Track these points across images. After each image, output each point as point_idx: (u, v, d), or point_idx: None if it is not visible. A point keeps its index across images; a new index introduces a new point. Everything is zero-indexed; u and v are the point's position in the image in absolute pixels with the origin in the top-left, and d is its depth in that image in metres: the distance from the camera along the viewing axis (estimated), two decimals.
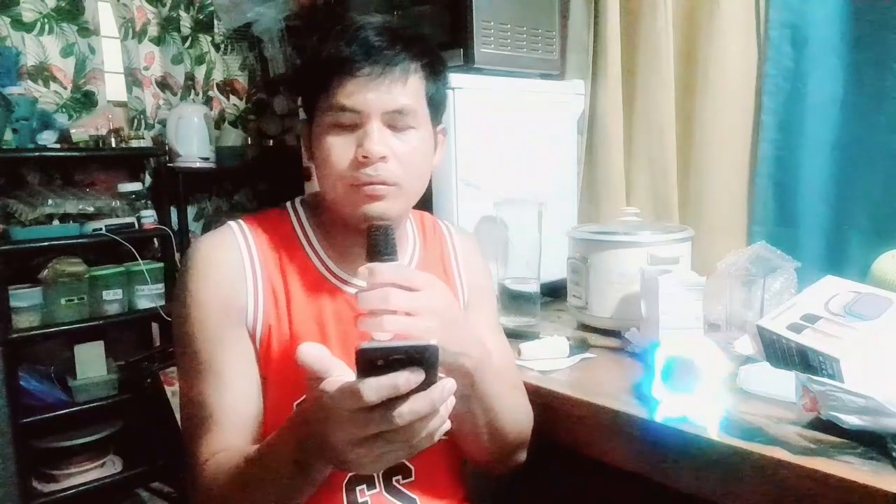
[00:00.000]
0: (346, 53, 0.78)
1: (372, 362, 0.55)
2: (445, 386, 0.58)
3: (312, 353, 0.62)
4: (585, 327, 1.30)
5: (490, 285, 1.05)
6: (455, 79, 1.33)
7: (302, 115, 0.89)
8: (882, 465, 0.70)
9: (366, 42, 0.78)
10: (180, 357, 0.83)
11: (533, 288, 1.34)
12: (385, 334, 0.63)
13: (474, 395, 0.78)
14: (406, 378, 0.55)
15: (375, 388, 0.55)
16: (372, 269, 0.67)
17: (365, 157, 0.77)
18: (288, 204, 0.92)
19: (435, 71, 0.85)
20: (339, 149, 0.79)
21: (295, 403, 0.80)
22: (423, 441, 0.60)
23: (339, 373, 0.61)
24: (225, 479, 0.73)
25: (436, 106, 0.86)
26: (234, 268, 0.82)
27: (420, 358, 0.55)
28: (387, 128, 0.79)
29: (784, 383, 0.86)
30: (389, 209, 0.80)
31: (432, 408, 0.57)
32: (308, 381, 0.62)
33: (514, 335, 1.20)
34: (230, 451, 0.76)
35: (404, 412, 0.56)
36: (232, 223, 0.87)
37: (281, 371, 0.81)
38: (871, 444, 0.73)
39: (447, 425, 0.62)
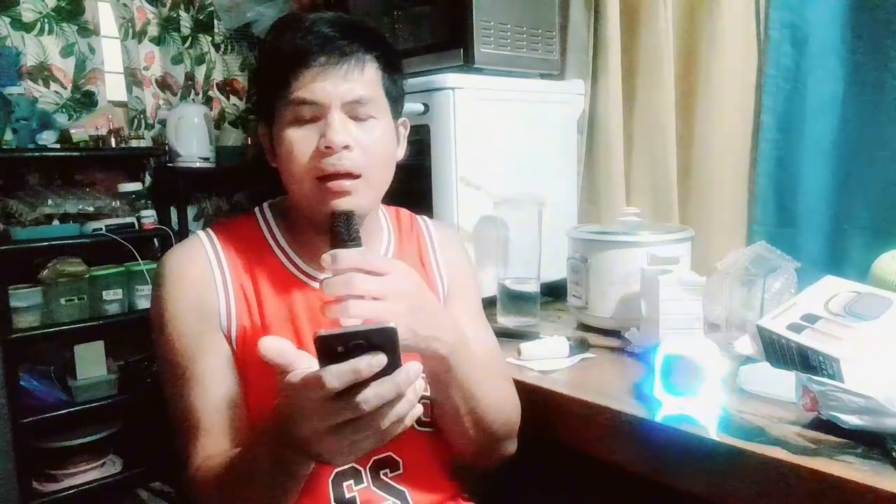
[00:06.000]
0: (301, 46, 0.78)
1: (332, 349, 0.55)
2: (411, 369, 0.58)
3: (274, 346, 0.61)
4: (585, 327, 1.30)
5: (472, 275, 1.05)
6: (455, 79, 1.33)
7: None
8: (882, 465, 0.70)
9: (320, 34, 0.79)
10: (162, 367, 0.85)
11: (533, 288, 1.34)
12: (352, 320, 0.63)
13: (452, 382, 0.78)
14: (367, 362, 0.55)
15: (337, 374, 0.55)
16: (335, 255, 0.66)
17: (328, 147, 0.78)
18: (256, 209, 0.93)
19: (390, 63, 0.85)
20: (301, 142, 0.80)
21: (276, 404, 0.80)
22: (394, 427, 0.60)
23: (305, 365, 0.60)
24: (216, 483, 0.74)
25: (394, 99, 0.87)
26: (202, 275, 0.83)
27: (380, 341, 0.55)
28: (348, 118, 0.80)
29: (784, 383, 0.86)
30: (358, 204, 0.80)
31: (398, 391, 0.57)
32: (276, 376, 0.62)
33: (514, 335, 1.21)
34: (220, 455, 0.77)
35: (369, 397, 0.56)
36: (199, 232, 0.89)
37: (260, 372, 0.81)
38: (871, 444, 0.73)
39: (418, 409, 0.61)
